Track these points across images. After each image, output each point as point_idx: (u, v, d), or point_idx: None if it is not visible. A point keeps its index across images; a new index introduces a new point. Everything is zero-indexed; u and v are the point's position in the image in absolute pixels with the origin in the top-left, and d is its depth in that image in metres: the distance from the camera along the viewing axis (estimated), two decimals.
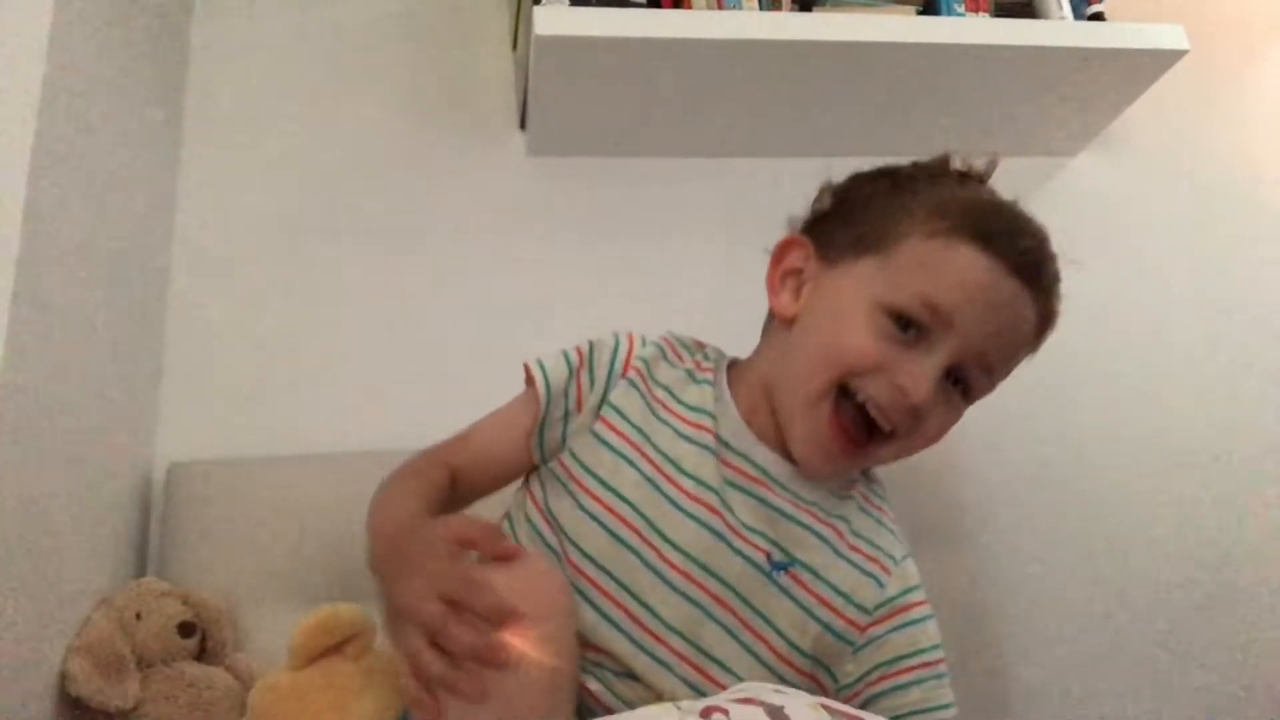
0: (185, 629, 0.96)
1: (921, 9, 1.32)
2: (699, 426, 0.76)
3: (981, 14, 1.31)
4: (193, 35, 1.35)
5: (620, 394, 0.79)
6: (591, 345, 0.83)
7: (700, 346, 0.87)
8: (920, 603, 0.77)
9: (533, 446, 0.81)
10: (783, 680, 0.71)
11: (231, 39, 1.36)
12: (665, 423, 0.77)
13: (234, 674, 0.96)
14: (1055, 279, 0.79)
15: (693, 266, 1.38)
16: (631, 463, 0.75)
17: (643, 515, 0.72)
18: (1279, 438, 1.45)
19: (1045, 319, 0.78)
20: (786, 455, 0.77)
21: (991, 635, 1.22)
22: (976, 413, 1.34)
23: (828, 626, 0.73)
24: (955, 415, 0.77)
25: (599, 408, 0.79)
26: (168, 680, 0.92)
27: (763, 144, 1.42)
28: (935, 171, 0.83)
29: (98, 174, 1.01)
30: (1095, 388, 1.43)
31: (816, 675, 0.74)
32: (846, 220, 0.81)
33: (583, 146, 1.38)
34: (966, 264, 0.72)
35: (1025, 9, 1.34)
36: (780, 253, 0.84)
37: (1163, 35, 1.29)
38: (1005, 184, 1.47)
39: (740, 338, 1.32)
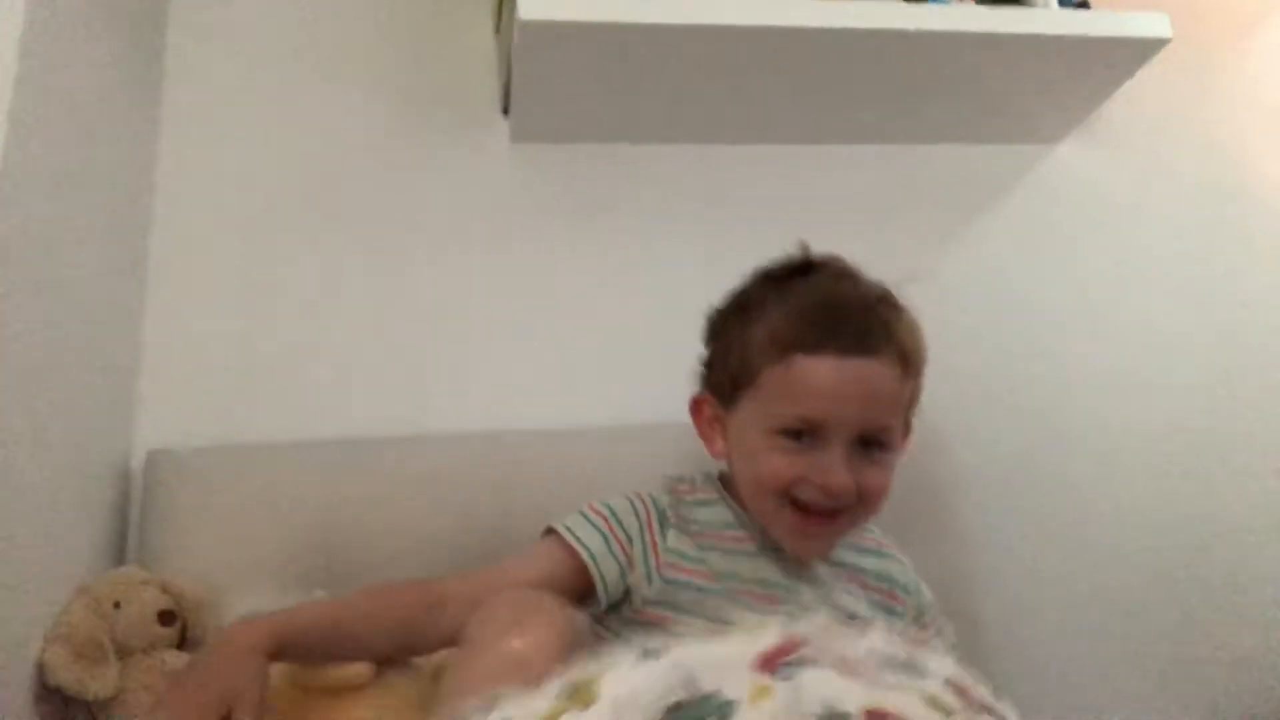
0: (165, 617, 0.95)
1: None
2: (737, 539, 0.89)
3: (967, 2, 1.31)
4: (170, 19, 1.33)
5: (674, 539, 0.89)
6: (610, 507, 0.91)
7: (685, 478, 0.97)
8: (933, 621, 0.90)
9: (603, 600, 0.88)
10: None
11: (210, 23, 1.34)
12: (712, 549, 0.88)
13: None
14: (888, 329, 0.86)
15: (677, 253, 1.38)
16: (706, 590, 0.85)
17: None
18: (1264, 425, 1.46)
19: (904, 361, 0.86)
20: None
21: (977, 622, 1.23)
22: (964, 403, 1.36)
23: None
24: (888, 468, 0.86)
25: (654, 557, 0.88)
26: (147, 669, 0.92)
27: (748, 131, 1.41)
28: (776, 280, 0.92)
29: (73, 159, 1.00)
30: (1079, 377, 1.44)
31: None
32: (722, 366, 0.92)
33: (567, 133, 1.37)
34: (809, 375, 0.82)
35: None
36: (694, 413, 0.96)
37: (1146, 23, 1.29)
38: (989, 172, 1.50)
39: None
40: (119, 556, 1.09)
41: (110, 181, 1.12)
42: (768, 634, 0.57)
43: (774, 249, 1.39)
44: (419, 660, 0.87)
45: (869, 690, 0.51)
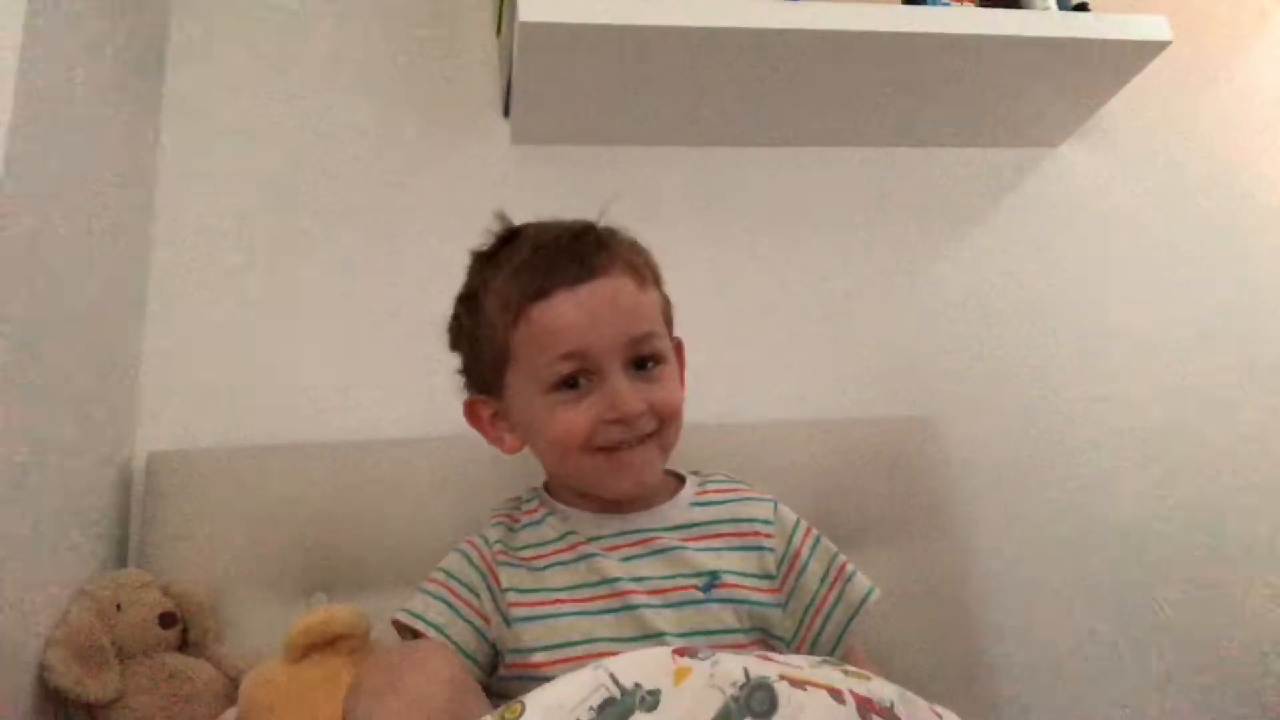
0: (166, 620, 0.95)
1: None
2: (570, 547, 0.85)
3: (966, 4, 1.31)
4: (172, 21, 1.33)
5: (506, 576, 0.85)
6: (445, 570, 0.88)
7: (513, 499, 0.95)
8: (804, 538, 0.88)
9: (475, 670, 0.82)
10: None
11: (212, 28, 1.34)
12: (547, 569, 0.84)
13: (216, 665, 0.95)
14: (605, 249, 0.85)
15: (676, 256, 1.37)
16: (555, 615, 0.81)
17: (594, 640, 0.78)
18: (1262, 426, 1.47)
19: (634, 270, 0.85)
20: (633, 509, 0.87)
21: (974, 622, 1.23)
22: (963, 404, 1.36)
23: (758, 604, 0.83)
24: (671, 381, 0.86)
25: (500, 607, 0.83)
26: (148, 672, 0.92)
27: (747, 133, 1.42)
28: (488, 257, 0.92)
29: (75, 160, 1.00)
30: (1076, 378, 1.44)
31: (766, 643, 0.83)
32: (474, 361, 0.91)
33: (567, 134, 1.37)
34: (550, 318, 0.81)
35: None
36: (471, 418, 0.94)
37: (1146, 26, 1.30)
38: (989, 175, 1.50)
39: (724, 326, 1.33)
40: (120, 559, 1.09)
41: (111, 183, 1.12)
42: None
43: (774, 251, 1.41)
44: None
45: (784, 667, 0.55)
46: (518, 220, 1.33)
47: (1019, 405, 1.41)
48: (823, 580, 0.86)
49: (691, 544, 0.84)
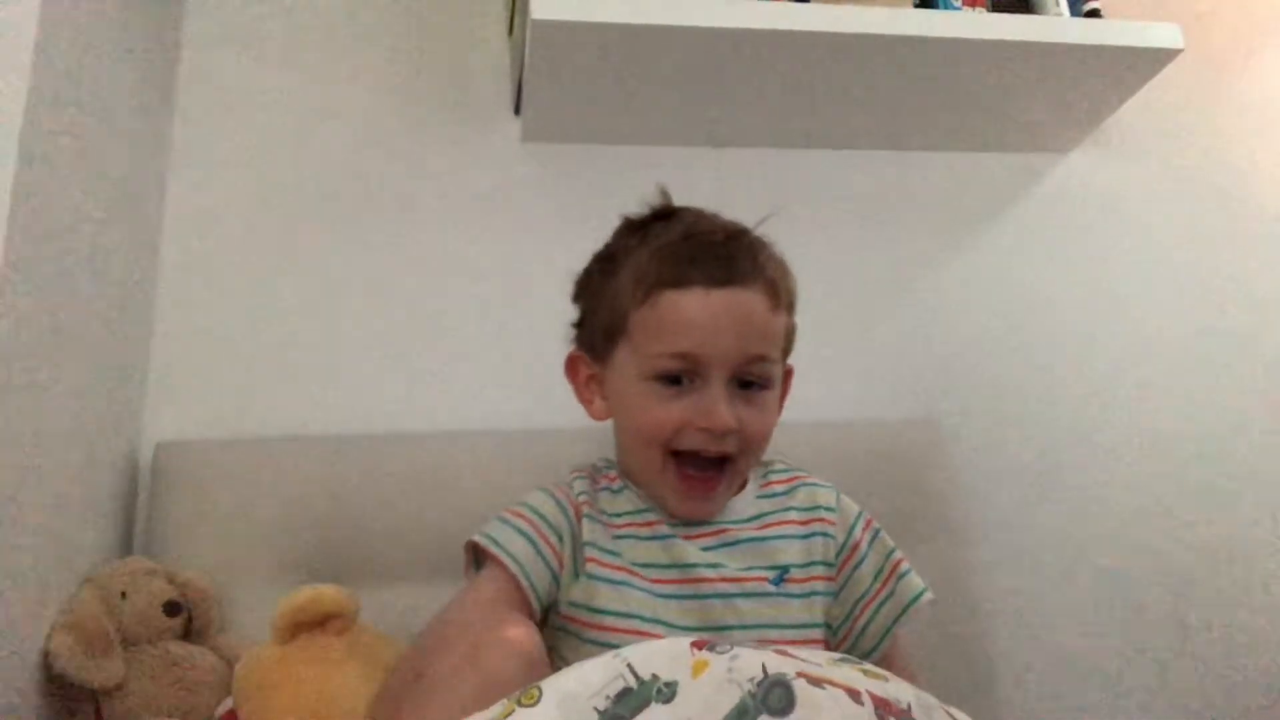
0: (171, 608, 0.95)
1: (918, 2, 1.32)
2: (647, 524, 0.85)
3: (978, 8, 1.31)
4: (186, 15, 1.34)
5: (588, 531, 0.84)
6: (531, 506, 0.86)
7: (598, 465, 0.94)
8: (864, 530, 0.88)
9: (536, 612, 0.80)
10: None
11: (224, 23, 1.35)
12: (624, 537, 0.84)
13: (219, 654, 0.96)
14: (754, 260, 0.83)
15: None
16: (627, 584, 0.81)
17: (659, 622, 0.78)
18: (1272, 432, 1.46)
19: (773, 291, 0.83)
20: None
21: (979, 625, 1.23)
22: (973, 408, 1.36)
23: (820, 594, 0.84)
24: (768, 409, 0.84)
25: (576, 558, 0.83)
26: (153, 659, 0.92)
27: (757, 135, 1.42)
28: (637, 227, 0.90)
29: (88, 154, 1.00)
30: (1083, 383, 1.44)
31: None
32: (591, 321, 0.90)
33: (577, 133, 1.37)
34: (677, 310, 0.80)
35: (1022, 4, 1.34)
36: (570, 372, 0.93)
37: (1158, 34, 1.30)
38: (998, 180, 1.50)
39: None
40: (126, 547, 1.10)
41: (122, 177, 1.12)
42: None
43: (781, 252, 1.41)
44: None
45: (803, 664, 0.54)
46: (532, 226, 1.35)
47: (1026, 409, 1.41)
48: (876, 575, 0.86)
49: (763, 533, 0.85)
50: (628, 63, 1.21)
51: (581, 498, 0.87)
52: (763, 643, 0.61)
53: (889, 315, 1.42)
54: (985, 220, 1.49)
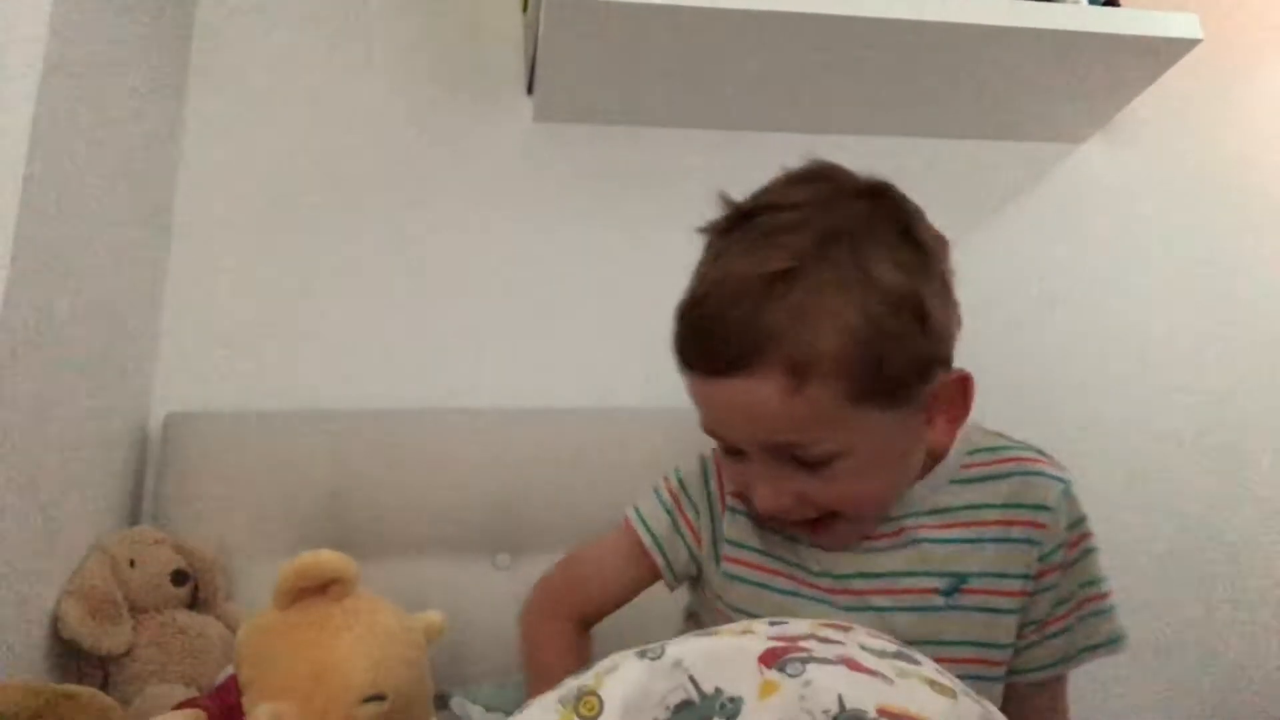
0: (178, 577, 0.97)
1: None
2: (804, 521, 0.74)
3: None
4: None
5: (729, 526, 0.79)
6: (680, 479, 0.83)
7: None
8: (1072, 549, 0.72)
9: (671, 583, 0.83)
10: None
11: (239, 1, 1.35)
12: (775, 532, 0.76)
13: (225, 622, 0.97)
14: (764, 337, 0.64)
15: (696, 239, 1.38)
16: (766, 586, 0.76)
17: None
18: (1276, 427, 1.46)
19: (793, 369, 0.64)
20: None
21: None
22: (979, 399, 1.36)
23: (1004, 611, 0.72)
24: (845, 475, 0.67)
25: (716, 544, 0.79)
26: (160, 627, 0.94)
27: (771, 118, 1.41)
28: (712, 234, 0.79)
29: (100, 128, 1.01)
30: (1097, 376, 1.44)
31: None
32: None
33: (590, 114, 1.37)
34: (692, 390, 0.70)
35: None
36: None
37: (1176, 24, 1.28)
38: (1010, 169, 1.49)
39: None
40: (134, 516, 1.11)
41: (135, 152, 1.13)
42: (760, 634, 0.57)
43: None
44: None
45: (879, 686, 0.51)
46: (543, 205, 1.35)
47: (1033, 400, 1.40)
48: (1061, 603, 0.72)
49: (946, 534, 0.72)
50: (641, 43, 1.21)
51: (730, 486, 0.79)
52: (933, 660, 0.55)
53: None
54: (995, 210, 1.48)
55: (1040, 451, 0.77)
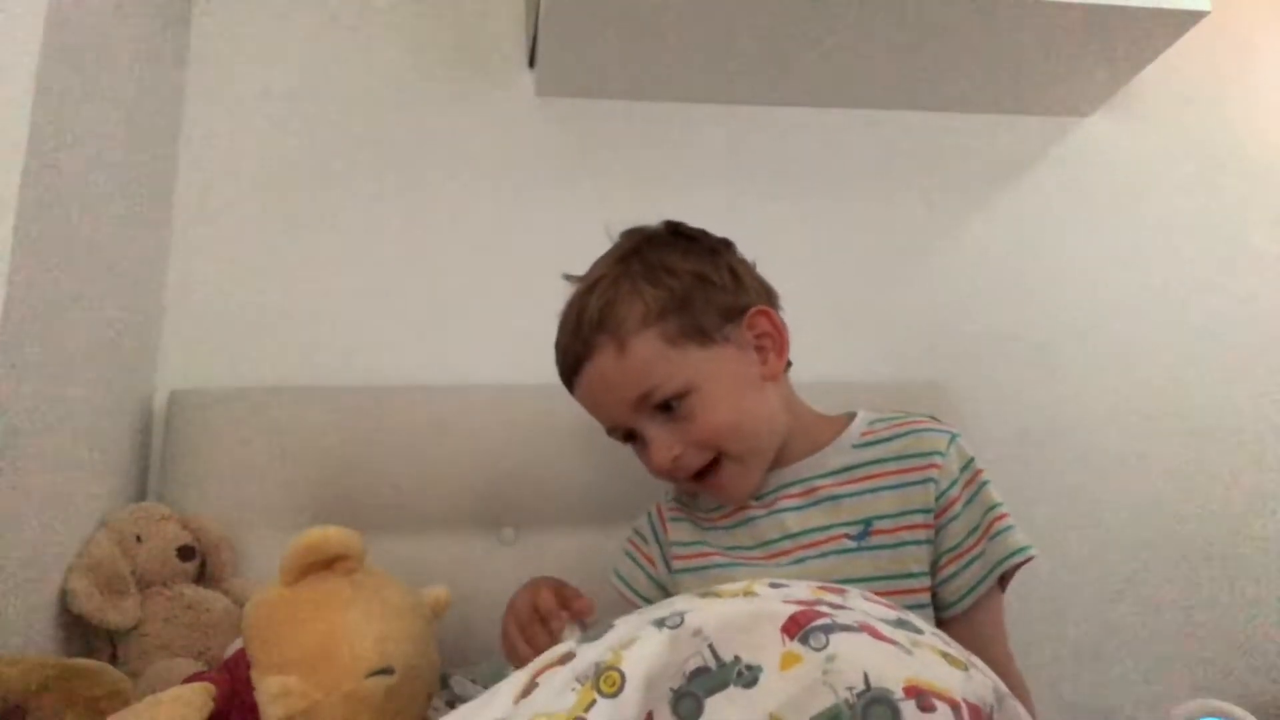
0: (185, 552, 0.97)
1: None
2: (739, 509, 0.89)
3: None
4: None
5: (672, 532, 0.93)
6: (635, 529, 0.99)
7: None
8: (966, 486, 0.83)
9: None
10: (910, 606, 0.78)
11: None
12: (713, 528, 0.90)
13: (232, 597, 0.98)
14: (588, 329, 0.85)
15: (698, 212, 1.36)
16: (708, 567, 0.88)
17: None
18: (1275, 406, 1.46)
19: (610, 339, 0.84)
20: (795, 457, 0.89)
21: None
22: (983, 374, 1.36)
23: (909, 543, 0.82)
24: (703, 404, 0.83)
25: (666, 555, 0.94)
26: (167, 602, 0.94)
27: (774, 92, 1.40)
28: None
29: (103, 104, 1.00)
30: (1095, 350, 1.43)
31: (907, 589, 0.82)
32: None
33: (592, 88, 1.36)
34: (581, 404, 0.90)
35: None
36: None
37: None
38: (1017, 142, 1.49)
39: None
40: (141, 492, 1.12)
41: (137, 130, 1.12)
42: (767, 596, 0.57)
43: (794, 213, 1.40)
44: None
45: (901, 658, 0.51)
46: (545, 180, 1.34)
47: (1035, 374, 1.41)
48: (971, 531, 0.82)
49: (849, 487, 0.85)
50: (643, 16, 1.20)
51: (672, 504, 0.95)
52: None
53: (902, 277, 1.41)
54: (1002, 183, 1.48)
55: (932, 417, 0.90)
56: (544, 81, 1.35)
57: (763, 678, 0.50)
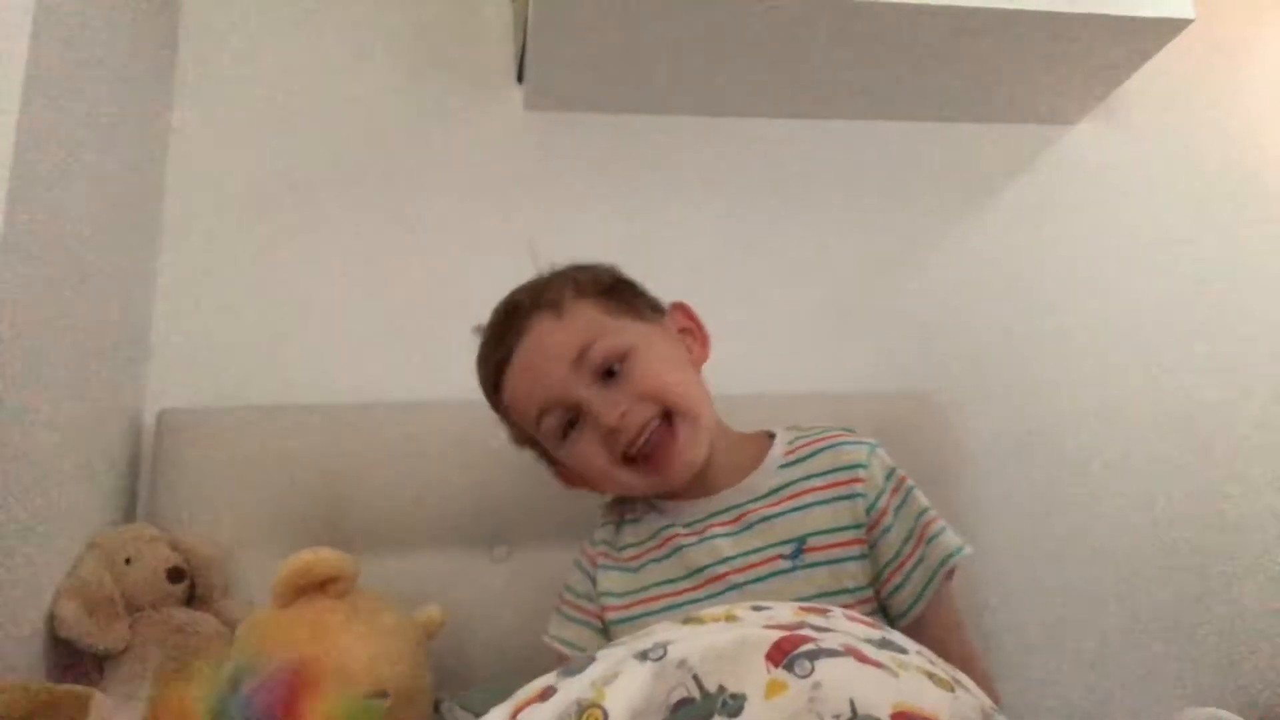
0: (174, 574, 0.96)
1: None
2: (663, 543, 0.88)
3: None
4: None
5: (603, 580, 0.91)
6: (566, 585, 0.95)
7: (619, 500, 0.97)
8: (892, 495, 0.85)
9: None
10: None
11: None
12: (642, 567, 0.88)
13: (222, 619, 0.97)
14: (525, 305, 0.90)
15: (689, 225, 1.38)
16: (647, 614, 0.85)
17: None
18: (1271, 406, 1.46)
19: (547, 310, 0.88)
20: (722, 485, 0.88)
21: (975, 602, 1.24)
22: (971, 382, 1.36)
23: (844, 559, 0.83)
24: (644, 364, 0.85)
25: (598, 602, 0.90)
26: (156, 625, 0.93)
27: (760, 104, 1.41)
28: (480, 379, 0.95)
29: (88, 123, 1.00)
30: (1084, 358, 1.43)
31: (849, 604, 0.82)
32: (533, 449, 0.95)
33: (580, 102, 1.36)
34: (511, 397, 0.89)
35: None
36: (567, 484, 0.96)
37: (1168, 3, 1.28)
38: (1004, 151, 1.49)
39: (731, 298, 1.33)
40: (129, 513, 1.11)
41: (125, 145, 1.12)
42: (749, 621, 0.57)
43: (783, 224, 1.41)
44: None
45: (888, 682, 0.51)
46: (534, 194, 1.34)
47: (1025, 384, 1.41)
48: (906, 539, 0.83)
49: (781, 507, 0.85)
50: (632, 30, 1.20)
51: (600, 548, 0.93)
52: None
53: (887, 287, 1.41)
54: (989, 192, 1.48)
55: (848, 429, 0.91)
56: (532, 96, 1.35)
57: (748, 707, 0.49)
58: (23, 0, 0.85)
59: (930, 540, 0.83)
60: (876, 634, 0.59)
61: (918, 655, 0.57)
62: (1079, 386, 1.42)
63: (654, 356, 0.86)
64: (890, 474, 0.86)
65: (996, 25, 1.25)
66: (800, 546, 0.83)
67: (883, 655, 0.54)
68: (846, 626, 0.59)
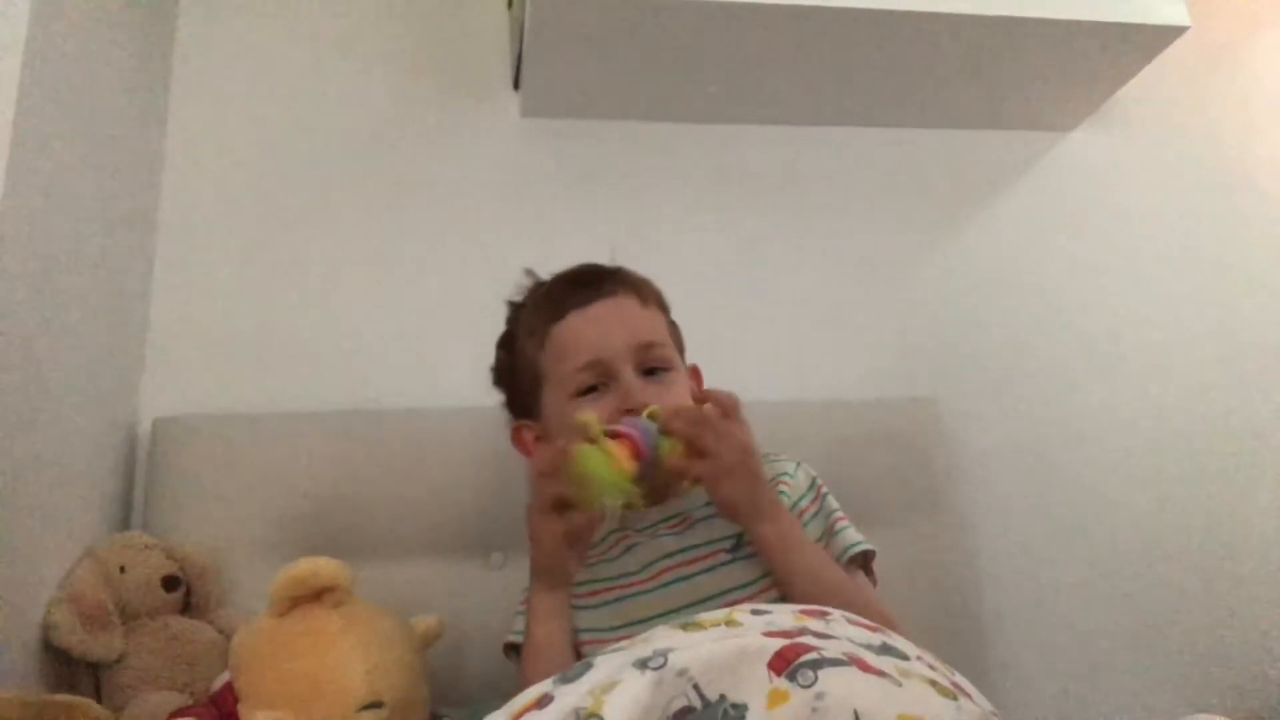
0: (169, 583, 0.96)
1: None
2: (616, 543, 0.93)
3: None
4: None
5: None
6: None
7: None
8: (813, 501, 0.93)
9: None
10: None
11: None
12: (598, 563, 0.92)
13: (218, 627, 0.96)
14: (612, 278, 0.96)
15: (685, 232, 1.38)
16: (601, 605, 0.88)
17: (631, 624, 0.83)
18: (1266, 410, 1.46)
19: (637, 291, 0.96)
20: (660, 500, 0.92)
21: (976, 604, 1.24)
22: (971, 389, 1.37)
23: None
24: (676, 386, 0.92)
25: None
26: (151, 633, 0.93)
27: (757, 110, 1.41)
28: (517, 305, 1.03)
29: (85, 131, 1.00)
30: (1087, 364, 1.44)
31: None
32: (515, 390, 1.00)
33: (577, 109, 1.37)
34: (567, 333, 0.92)
35: None
36: (517, 444, 1.00)
37: (1164, 10, 1.28)
38: (1001, 158, 1.49)
39: (731, 305, 1.33)
40: (124, 521, 1.10)
41: (120, 155, 1.11)
42: (750, 627, 0.56)
43: (783, 231, 1.41)
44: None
45: (891, 691, 0.50)
46: (530, 201, 1.35)
47: (1025, 388, 1.41)
48: (820, 535, 0.91)
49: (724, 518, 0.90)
50: (628, 37, 1.20)
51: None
52: (727, 605, 0.65)
53: (887, 292, 1.41)
54: (986, 199, 1.48)
55: (777, 453, 0.98)
56: (529, 103, 1.35)
57: (749, 716, 0.49)
58: (17, 14, 0.85)
59: (836, 534, 0.90)
60: (877, 639, 0.59)
61: (919, 661, 0.57)
62: (1079, 391, 1.42)
63: (682, 388, 0.94)
64: (812, 483, 0.96)
65: (993, 32, 1.26)
66: (739, 541, 0.87)
67: (885, 662, 0.54)
68: (847, 631, 0.59)
